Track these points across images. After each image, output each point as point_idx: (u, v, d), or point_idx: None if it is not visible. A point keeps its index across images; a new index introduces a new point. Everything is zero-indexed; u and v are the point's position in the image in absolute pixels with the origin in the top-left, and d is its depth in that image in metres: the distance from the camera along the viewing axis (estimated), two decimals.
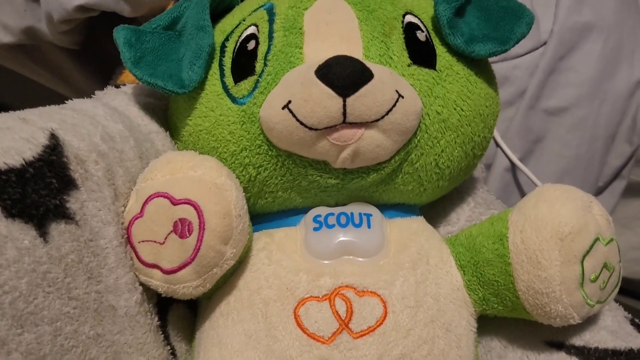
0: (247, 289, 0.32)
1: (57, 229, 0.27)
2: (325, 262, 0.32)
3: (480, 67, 0.35)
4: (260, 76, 0.32)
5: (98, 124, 0.32)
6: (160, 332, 0.33)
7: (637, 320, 0.36)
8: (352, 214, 0.33)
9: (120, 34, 0.34)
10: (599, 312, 0.35)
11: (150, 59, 0.34)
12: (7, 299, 0.25)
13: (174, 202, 0.30)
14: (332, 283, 0.31)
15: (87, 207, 0.29)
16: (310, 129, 0.29)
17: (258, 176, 0.33)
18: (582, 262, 0.31)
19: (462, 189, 0.41)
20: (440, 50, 0.34)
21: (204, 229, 0.30)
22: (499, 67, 0.37)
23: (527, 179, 0.53)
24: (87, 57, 0.64)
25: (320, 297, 0.31)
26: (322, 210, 0.33)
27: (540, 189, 0.33)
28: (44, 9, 0.53)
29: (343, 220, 0.33)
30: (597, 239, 0.31)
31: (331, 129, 0.30)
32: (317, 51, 0.31)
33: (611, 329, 0.34)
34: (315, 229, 0.33)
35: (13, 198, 0.26)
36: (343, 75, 0.28)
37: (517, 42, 0.34)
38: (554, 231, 0.30)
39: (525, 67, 0.53)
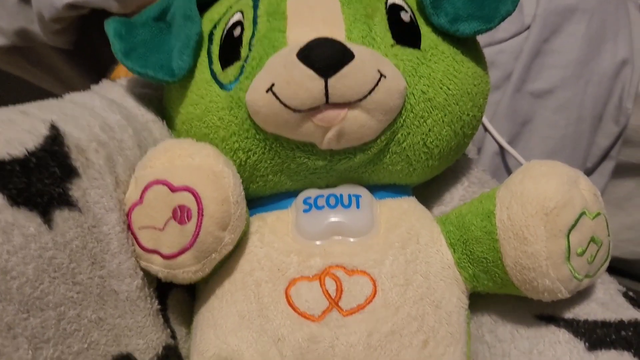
0: (241, 272, 0.33)
1: (61, 216, 0.28)
2: (316, 242, 0.32)
3: (467, 46, 0.35)
4: (245, 61, 0.32)
5: (97, 115, 0.33)
6: (160, 316, 0.34)
7: (630, 293, 0.36)
8: (341, 195, 0.33)
9: (110, 26, 0.35)
10: (591, 285, 0.34)
11: (142, 51, 0.34)
12: (15, 284, 0.25)
13: (173, 189, 0.31)
14: (322, 263, 0.32)
15: (89, 195, 0.30)
16: (294, 110, 0.30)
17: (248, 160, 0.33)
18: (567, 236, 0.31)
19: (457, 169, 0.41)
20: (425, 30, 0.34)
21: (202, 215, 0.30)
22: (484, 52, 0.37)
23: (516, 161, 0.53)
24: (82, 57, 0.64)
25: (311, 277, 0.31)
26: (312, 193, 0.34)
27: (527, 165, 0.33)
28: (35, 8, 0.53)
29: (332, 201, 0.33)
30: (582, 213, 0.31)
31: (315, 110, 0.30)
32: (300, 35, 0.31)
33: (602, 301, 0.34)
34: (305, 211, 0.33)
35: (18, 187, 0.26)
36: (324, 57, 0.29)
37: (502, 20, 0.34)
38: (539, 206, 0.31)
39: (510, 51, 0.53)
